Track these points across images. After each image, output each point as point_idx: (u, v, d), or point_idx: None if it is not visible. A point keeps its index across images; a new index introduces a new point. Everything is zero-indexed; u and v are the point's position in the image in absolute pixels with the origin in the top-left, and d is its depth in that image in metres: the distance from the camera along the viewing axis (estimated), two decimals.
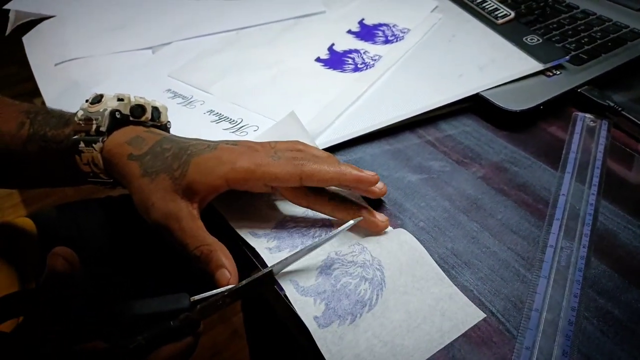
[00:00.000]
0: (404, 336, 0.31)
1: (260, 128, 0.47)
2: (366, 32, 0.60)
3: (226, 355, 1.16)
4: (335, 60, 0.55)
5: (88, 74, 0.56)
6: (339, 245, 0.36)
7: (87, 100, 0.39)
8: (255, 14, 0.64)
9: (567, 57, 0.52)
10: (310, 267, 0.35)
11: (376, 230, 0.37)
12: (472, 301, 0.33)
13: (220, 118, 0.48)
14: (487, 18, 0.60)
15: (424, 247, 0.36)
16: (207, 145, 0.37)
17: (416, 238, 0.37)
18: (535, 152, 0.45)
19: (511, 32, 0.57)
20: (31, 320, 0.30)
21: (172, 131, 0.43)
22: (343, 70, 0.54)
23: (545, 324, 0.32)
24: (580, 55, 0.53)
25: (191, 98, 0.51)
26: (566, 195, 0.40)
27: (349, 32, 0.60)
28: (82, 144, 0.37)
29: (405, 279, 0.34)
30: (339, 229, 0.34)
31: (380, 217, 0.37)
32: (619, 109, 0.47)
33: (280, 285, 0.34)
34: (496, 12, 0.60)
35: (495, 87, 0.50)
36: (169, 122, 0.42)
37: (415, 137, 0.47)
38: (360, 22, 0.62)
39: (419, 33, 0.59)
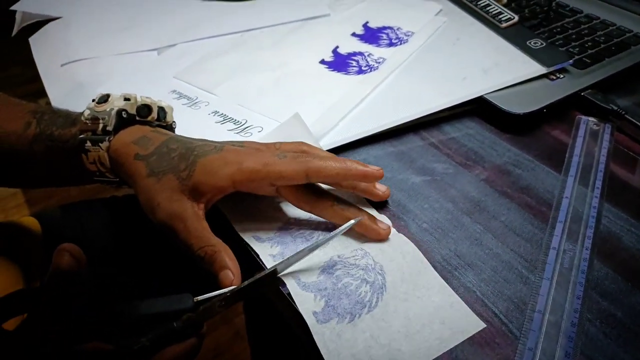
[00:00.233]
0: (402, 341, 0.31)
1: (264, 129, 0.47)
2: (370, 35, 0.60)
3: (228, 356, 1.16)
4: (340, 62, 0.56)
5: (94, 74, 0.56)
6: (342, 248, 0.36)
7: (93, 100, 0.39)
8: (260, 17, 0.65)
9: (571, 61, 0.52)
10: (313, 267, 0.35)
11: (378, 238, 0.37)
12: (475, 302, 0.33)
13: (225, 119, 0.48)
14: (490, 21, 0.60)
15: (427, 248, 0.37)
16: (213, 146, 0.37)
17: (419, 239, 0.37)
18: (539, 155, 0.45)
19: (515, 35, 0.57)
20: (33, 319, 0.30)
21: (177, 131, 0.43)
22: (347, 73, 0.54)
23: (548, 326, 0.32)
24: (584, 59, 0.53)
25: (196, 99, 0.52)
26: (569, 198, 0.40)
27: (354, 34, 0.61)
28: (88, 143, 0.38)
29: (406, 286, 0.34)
30: (340, 228, 0.34)
31: (382, 225, 0.37)
32: (623, 112, 0.47)
33: (283, 282, 0.34)
34: (500, 16, 0.60)
35: (499, 90, 0.50)
36: (174, 122, 0.43)
37: (418, 139, 0.47)
38: (365, 25, 0.62)
39: (423, 36, 0.59)
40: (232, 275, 0.33)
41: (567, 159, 0.44)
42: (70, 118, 0.40)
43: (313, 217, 0.39)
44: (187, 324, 0.31)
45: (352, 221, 0.35)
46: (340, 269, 0.35)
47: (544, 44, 0.55)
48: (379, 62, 0.55)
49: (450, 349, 0.31)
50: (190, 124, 0.46)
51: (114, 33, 0.63)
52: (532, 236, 0.38)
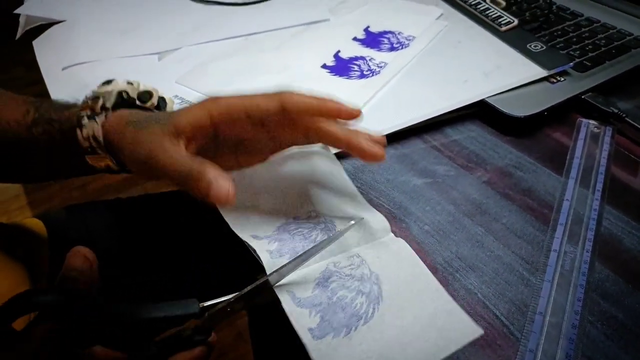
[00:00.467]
0: (399, 350, 0.31)
1: None
2: (372, 40, 0.61)
3: (231, 357, 1.16)
4: (341, 67, 0.56)
5: (96, 77, 0.56)
6: (339, 252, 0.36)
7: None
8: (262, 21, 0.65)
9: (571, 64, 0.53)
10: (308, 279, 0.35)
11: (367, 159, 0.36)
12: (476, 304, 0.34)
13: None
14: (490, 25, 0.61)
15: (428, 250, 0.37)
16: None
17: (421, 242, 0.38)
18: (540, 158, 0.45)
19: (515, 39, 0.58)
20: (38, 319, 0.30)
21: None
22: (349, 77, 0.54)
23: (549, 327, 0.32)
24: (584, 62, 0.54)
25: None
26: (570, 200, 0.40)
27: (355, 39, 0.61)
28: (85, 119, 0.37)
29: (403, 294, 0.34)
30: (338, 232, 0.35)
31: (375, 147, 0.36)
32: (623, 115, 0.47)
33: (279, 299, 0.34)
34: (499, 20, 0.61)
35: (500, 93, 0.50)
36: None
37: (420, 142, 0.48)
38: (366, 30, 0.63)
39: (424, 40, 0.59)
40: (225, 185, 0.32)
41: (568, 162, 0.44)
42: (70, 103, 0.40)
43: (312, 215, 0.39)
44: (195, 331, 0.32)
45: (352, 222, 0.35)
46: (335, 280, 0.35)
47: (545, 47, 0.55)
48: (381, 67, 0.55)
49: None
50: None
51: (117, 36, 0.63)
52: (533, 238, 0.38)
